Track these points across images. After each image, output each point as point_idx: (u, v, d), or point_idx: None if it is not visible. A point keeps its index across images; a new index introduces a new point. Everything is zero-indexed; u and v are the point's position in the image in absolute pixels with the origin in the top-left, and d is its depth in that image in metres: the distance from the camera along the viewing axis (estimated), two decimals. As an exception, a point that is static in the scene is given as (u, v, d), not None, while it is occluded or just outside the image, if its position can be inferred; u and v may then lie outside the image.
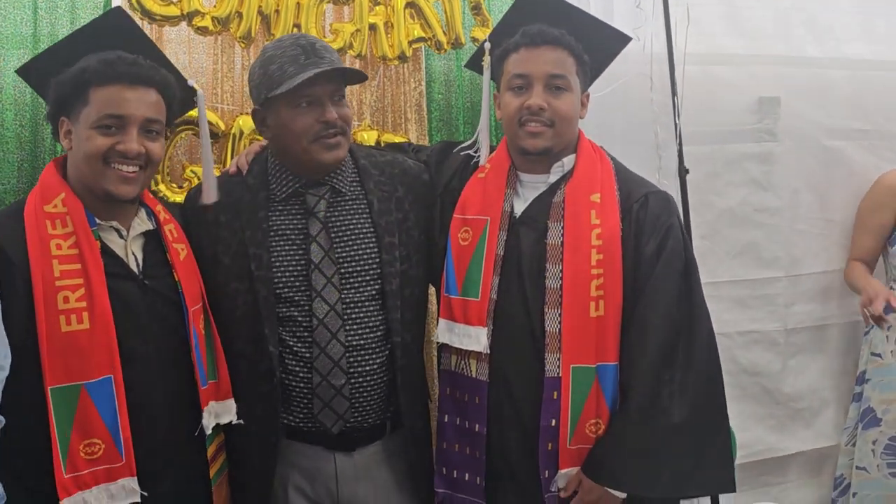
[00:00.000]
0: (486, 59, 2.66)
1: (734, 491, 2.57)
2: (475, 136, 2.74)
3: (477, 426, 2.50)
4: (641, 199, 2.51)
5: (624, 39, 2.69)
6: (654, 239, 2.48)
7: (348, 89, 2.94)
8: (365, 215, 2.52)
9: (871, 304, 3.44)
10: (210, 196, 2.45)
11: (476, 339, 2.48)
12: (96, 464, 2.11)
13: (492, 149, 2.68)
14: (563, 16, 2.58)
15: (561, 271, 2.44)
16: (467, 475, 2.53)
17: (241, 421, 2.42)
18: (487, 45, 2.66)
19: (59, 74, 2.24)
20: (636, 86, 3.40)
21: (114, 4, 2.72)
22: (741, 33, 3.68)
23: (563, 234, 2.46)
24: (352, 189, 2.53)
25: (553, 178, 2.54)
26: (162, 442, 2.25)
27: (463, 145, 2.72)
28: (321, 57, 2.39)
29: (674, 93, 3.42)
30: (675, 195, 3.37)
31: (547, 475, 2.44)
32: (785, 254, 3.75)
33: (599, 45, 2.61)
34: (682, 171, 3.41)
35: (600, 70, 2.68)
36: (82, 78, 2.21)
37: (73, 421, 2.08)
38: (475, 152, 2.70)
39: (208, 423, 2.31)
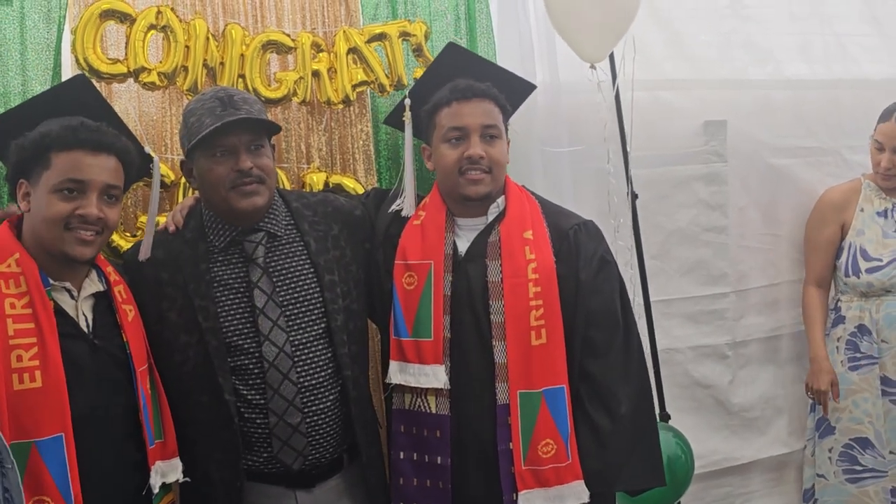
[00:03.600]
0: (407, 115, 2.80)
1: (664, 484, 2.70)
2: (398, 185, 2.86)
3: (440, 458, 2.61)
4: (574, 228, 2.68)
5: (530, 87, 2.92)
6: (590, 266, 2.65)
7: (297, 133, 3.07)
8: (303, 256, 2.59)
9: (814, 384, 3.73)
10: (145, 253, 2.51)
11: (434, 376, 2.60)
12: None
13: (419, 197, 2.81)
14: (479, 70, 2.76)
15: (503, 306, 2.58)
16: None
17: (188, 479, 2.47)
18: (408, 102, 2.81)
19: (20, 138, 2.29)
20: (585, 115, 3.52)
21: (64, 65, 2.82)
22: (685, 59, 3.79)
23: (501, 271, 2.60)
24: (287, 232, 2.61)
25: (490, 217, 2.68)
26: (109, 501, 2.28)
27: (394, 204, 2.82)
28: (238, 108, 2.46)
29: (619, 119, 3.52)
30: (626, 218, 3.51)
31: (510, 498, 2.56)
32: (732, 270, 3.87)
33: (511, 93, 2.81)
34: (632, 196, 3.52)
35: (512, 114, 2.84)
36: (44, 142, 2.26)
37: (23, 477, 2.06)
38: (399, 205, 2.81)
39: (155, 482, 2.34)
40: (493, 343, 2.58)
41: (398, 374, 2.65)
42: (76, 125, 2.29)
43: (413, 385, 2.63)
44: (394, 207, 2.80)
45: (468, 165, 2.61)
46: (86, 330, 2.33)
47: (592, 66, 3.30)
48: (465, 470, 2.61)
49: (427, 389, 2.62)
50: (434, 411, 2.62)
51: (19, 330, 2.15)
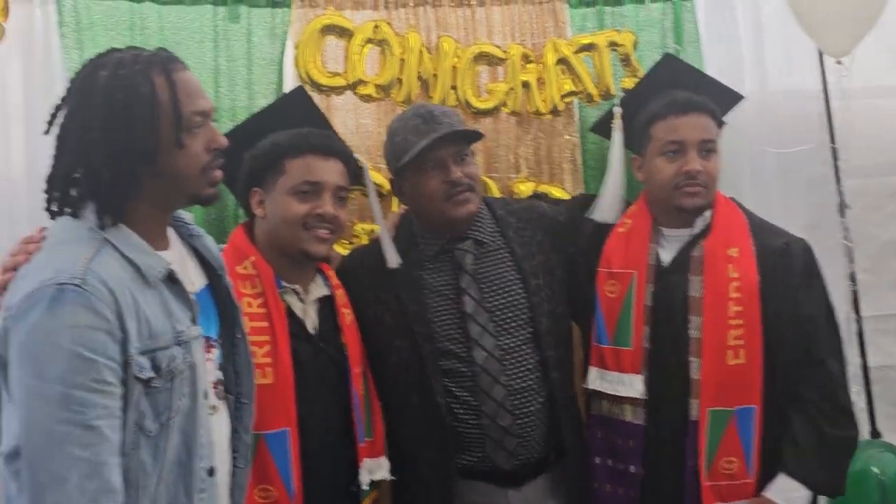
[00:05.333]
0: (617, 123, 2.81)
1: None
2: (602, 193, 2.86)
3: (632, 467, 2.63)
4: (783, 246, 2.62)
5: (736, 97, 2.88)
6: (798, 282, 2.60)
7: (505, 144, 3.13)
8: (510, 263, 2.64)
9: None
10: (393, 260, 2.60)
11: (631, 385, 2.62)
12: None
13: (627, 203, 2.81)
14: (693, 81, 2.75)
15: (701, 322, 2.57)
16: None
17: (394, 477, 2.56)
18: (618, 111, 2.82)
19: (251, 149, 2.46)
20: (794, 123, 3.46)
21: (286, 79, 2.96)
22: (902, 65, 3.65)
23: (702, 287, 2.58)
24: (493, 239, 2.66)
25: (696, 230, 2.66)
26: (320, 494, 2.36)
27: (597, 210, 2.83)
28: (440, 123, 2.53)
29: (830, 127, 3.44)
30: (836, 230, 3.42)
31: None
32: (952, 284, 3.69)
33: (721, 104, 2.78)
34: (843, 207, 3.44)
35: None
36: (276, 151, 2.43)
37: (251, 467, 2.15)
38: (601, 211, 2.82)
39: (364, 478, 2.42)
40: (690, 359, 2.57)
41: (597, 380, 2.68)
42: (306, 133, 2.44)
43: (610, 392, 2.65)
44: (597, 215, 2.81)
45: (685, 181, 2.60)
46: (312, 332, 2.44)
47: (838, 61, 3.24)
48: (655, 480, 2.61)
49: (623, 398, 2.63)
50: (629, 419, 2.63)
51: (255, 328, 2.26)
